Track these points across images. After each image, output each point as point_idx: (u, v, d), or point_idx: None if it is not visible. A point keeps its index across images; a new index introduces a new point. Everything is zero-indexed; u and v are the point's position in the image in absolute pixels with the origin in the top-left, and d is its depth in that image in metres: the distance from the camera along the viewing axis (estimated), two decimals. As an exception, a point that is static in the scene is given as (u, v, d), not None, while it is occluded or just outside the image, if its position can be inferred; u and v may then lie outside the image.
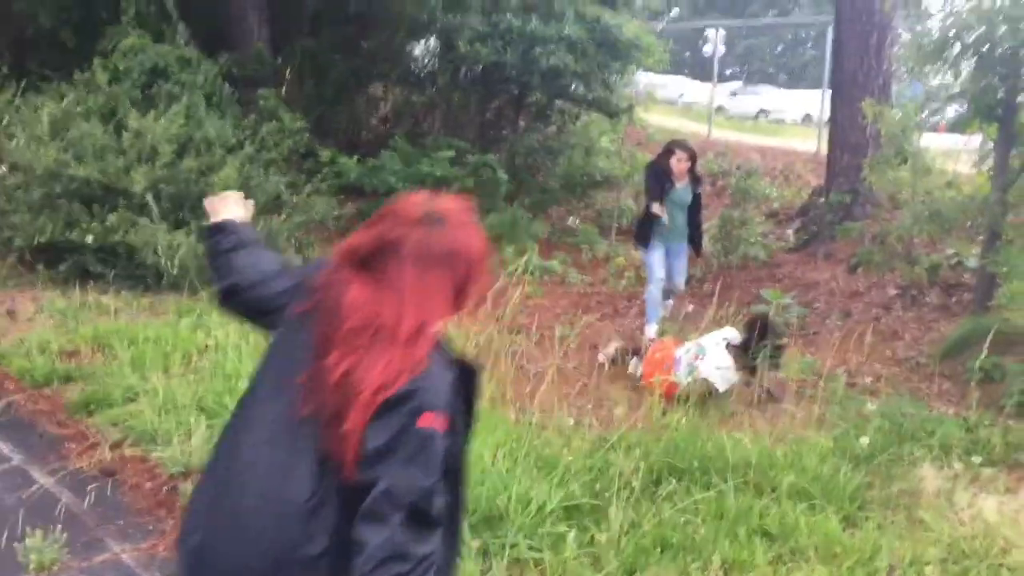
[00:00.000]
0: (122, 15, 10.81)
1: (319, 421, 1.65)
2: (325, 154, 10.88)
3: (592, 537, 3.49)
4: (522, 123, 13.49)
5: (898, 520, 3.86)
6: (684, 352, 5.50)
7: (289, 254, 9.00)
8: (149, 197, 7.92)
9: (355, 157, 10.91)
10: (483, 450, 4.01)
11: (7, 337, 6.54)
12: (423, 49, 13.75)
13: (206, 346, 5.88)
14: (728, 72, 48.14)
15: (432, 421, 1.62)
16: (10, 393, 5.42)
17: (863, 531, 3.71)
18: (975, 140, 7.68)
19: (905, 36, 8.99)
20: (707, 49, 24.62)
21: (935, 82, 6.56)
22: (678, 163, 7.07)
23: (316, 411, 1.66)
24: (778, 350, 5.64)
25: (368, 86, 14.12)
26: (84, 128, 8.61)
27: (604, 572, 3.19)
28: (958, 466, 4.27)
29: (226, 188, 8.62)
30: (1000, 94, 5.68)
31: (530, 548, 3.38)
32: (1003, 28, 5.18)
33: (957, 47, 5.69)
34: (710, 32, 25.16)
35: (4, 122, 8.90)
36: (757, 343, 5.50)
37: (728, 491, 3.87)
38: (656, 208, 6.94)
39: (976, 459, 4.32)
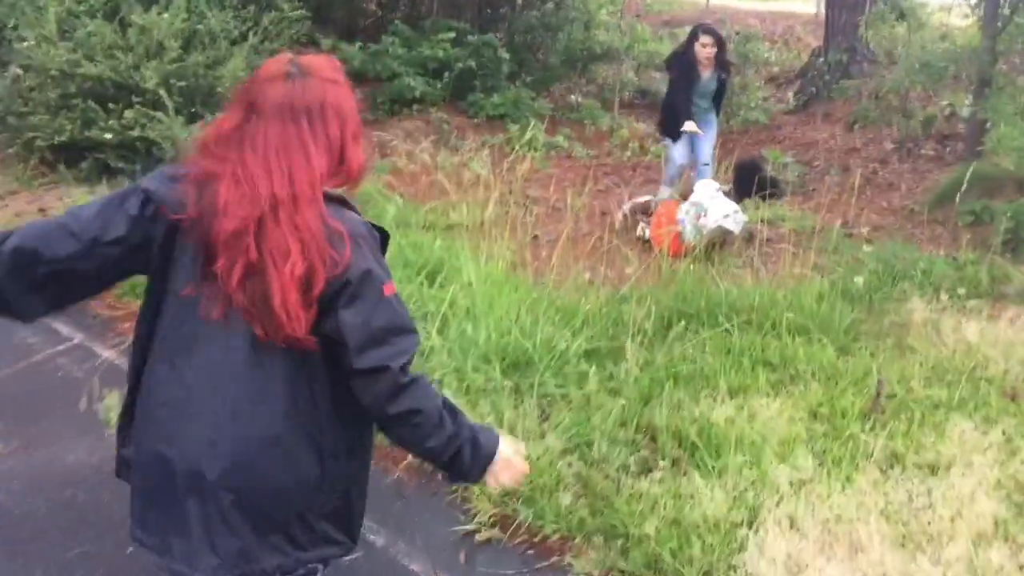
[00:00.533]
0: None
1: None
2: (326, 42, 10.97)
3: (611, 374, 3.88)
4: (520, 0, 13.42)
5: (888, 347, 4.23)
6: (684, 213, 5.79)
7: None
8: (162, 92, 8.10)
9: (356, 44, 10.98)
10: (507, 306, 4.37)
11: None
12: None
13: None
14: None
15: (391, 289, 1.68)
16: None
17: (856, 358, 4.09)
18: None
19: None
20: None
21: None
22: (702, 48, 6.81)
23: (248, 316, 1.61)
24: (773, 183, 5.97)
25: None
26: (90, 26, 8.72)
27: (623, 399, 3.58)
28: (945, 299, 4.62)
29: (235, 79, 8.82)
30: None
31: (556, 385, 3.77)
32: None
33: None
34: None
35: (12, 26, 9.00)
36: (747, 182, 5.82)
37: (732, 329, 4.24)
38: (689, 126, 6.72)
39: (961, 291, 4.67)
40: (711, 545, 2.66)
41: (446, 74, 10.97)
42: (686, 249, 5.52)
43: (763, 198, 6.01)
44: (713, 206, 5.70)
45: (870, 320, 4.59)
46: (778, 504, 2.78)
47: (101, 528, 3.05)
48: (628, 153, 9.59)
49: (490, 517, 3.08)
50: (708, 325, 4.35)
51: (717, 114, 7.32)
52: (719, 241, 5.74)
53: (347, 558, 2.86)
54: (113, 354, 4.57)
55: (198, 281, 1.64)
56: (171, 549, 1.70)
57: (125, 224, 1.64)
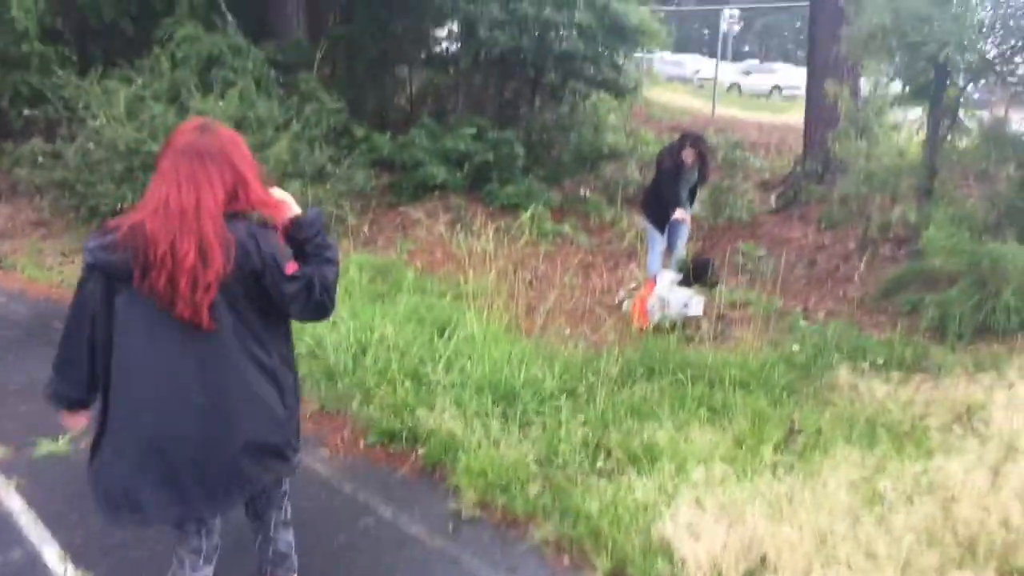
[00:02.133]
0: (176, 7, 12.12)
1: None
2: (359, 131, 12.17)
3: (581, 408, 4.79)
4: (538, 102, 14.70)
5: (812, 401, 5.12)
6: (651, 304, 6.76)
7: (335, 216, 10.30)
8: (213, 171, 9.22)
9: (387, 134, 12.18)
10: (501, 353, 5.31)
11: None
12: (446, 34, 14.95)
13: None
14: (746, 49, 48.86)
15: (293, 268, 2.38)
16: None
17: (784, 407, 4.97)
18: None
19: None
20: (723, 27, 25.57)
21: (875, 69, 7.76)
22: (688, 157, 7.80)
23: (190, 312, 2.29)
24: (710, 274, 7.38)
25: (396, 68, 15.39)
26: (155, 110, 9.94)
27: (588, 425, 4.48)
28: (867, 367, 5.51)
29: (279, 161, 9.97)
30: (929, 76, 6.85)
31: (536, 413, 4.68)
32: (926, 28, 6.29)
33: (891, 40, 6.85)
34: (725, 11, 26.16)
35: (83, 106, 10.22)
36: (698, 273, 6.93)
37: (685, 381, 5.15)
38: (679, 214, 7.69)
39: (880, 360, 5.56)
40: (636, 518, 3.53)
41: (466, 164, 12.12)
42: (656, 328, 6.49)
43: (707, 285, 7.28)
44: (673, 297, 6.69)
45: (804, 382, 5.48)
46: (691, 492, 3.65)
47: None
48: (625, 243, 10.61)
49: (474, 502, 3.97)
50: (665, 376, 5.27)
51: (691, 204, 8.35)
52: (681, 323, 6.71)
53: (361, 523, 3.78)
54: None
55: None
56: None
57: (99, 291, 2.38)
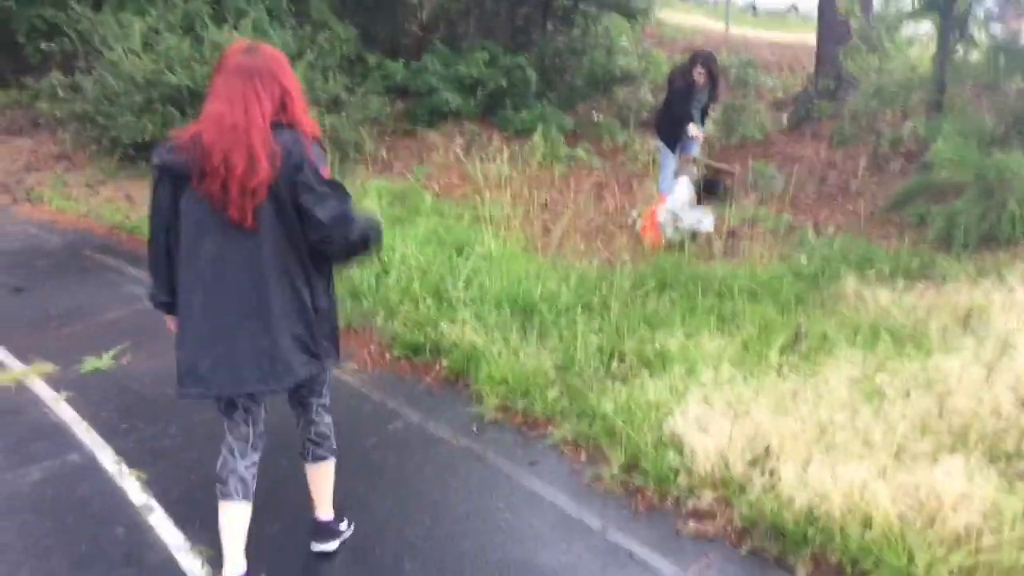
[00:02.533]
0: (188, -62, 12.08)
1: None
2: (372, 59, 12.22)
3: (596, 318, 5.00)
4: (549, 27, 14.63)
5: (820, 310, 5.31)
6: (663, 218, 6.92)
7: (354, 143, 10.42)
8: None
9: (400, 61, 12.21)
10: (518, 269, 5.51)
11: (134, 214, 8.11)
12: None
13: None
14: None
15: (327, 173, 2.63)
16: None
17: (792, 315, 5.17)
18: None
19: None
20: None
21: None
22: (699, 76, 7.90)
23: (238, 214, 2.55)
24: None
25: (408, -6, 15.33)
26: (169, 41, 10.02)
27: (600, 332, 4.70)
28: (871, 273, 5.69)
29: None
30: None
31: (553, 324, 4.90)
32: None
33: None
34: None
35: (98, 38, 10.31)
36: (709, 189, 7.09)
37: (696, 293, 5.35)
38: (692, 129, 7.82)
39: (886, 269, 5.74)
40: (649, 415, 3.77)
41: (479, 90, 12.17)
42: (668, 243, 6.66)
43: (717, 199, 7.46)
44: (685, 214, 6.84)
45: (812, 292, 5.66)
46: (700, 391, 3.88)
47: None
48: (638, 165, 10.71)
49: (496, 407, 4.22)
50: (677, 290, 5.47)
51: (702, 123, 8.39)
52: (695, 237, 6.87)
53: (390, 427, 4.03)
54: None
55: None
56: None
57: (167, 196, 2.65)
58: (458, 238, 6.48)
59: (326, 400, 3.05)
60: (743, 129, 9.88)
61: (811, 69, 12.56)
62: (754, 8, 31.01)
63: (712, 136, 9.95)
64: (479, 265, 5.71)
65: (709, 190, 7.54)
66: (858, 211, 7.68)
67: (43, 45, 10.81)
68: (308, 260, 2.72)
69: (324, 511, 3.17)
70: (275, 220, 2.62)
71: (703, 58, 8.17)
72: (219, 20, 10.74)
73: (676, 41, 16.60)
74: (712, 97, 8.19)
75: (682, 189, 7.13)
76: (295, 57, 10.80)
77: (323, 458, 3.09)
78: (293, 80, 2.69)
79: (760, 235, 7.12)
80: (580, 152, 11.32)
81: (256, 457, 2.90)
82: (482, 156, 11.23)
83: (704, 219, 6.97)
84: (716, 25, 19.72)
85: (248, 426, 2.86)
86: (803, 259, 5.90)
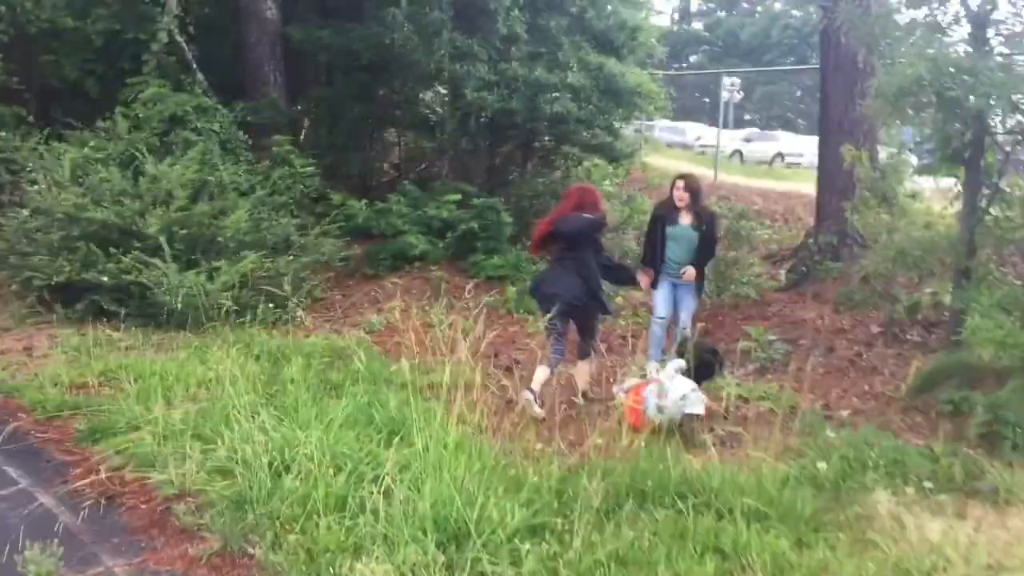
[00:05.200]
0: (144, 66, 11.34)
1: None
2: (336, 198, 11.28)
3: (552, 553, 3.72)
4: (530, 167, 13.86)
5: (849, 541, 4.05)
6: (649, 392, 5.74)
7: (296, 293, 9.32)
8: (162, 239, 8.27)
9: (364, 201, 11.28)
10: (457, 473, 4.26)
11: (23, 371, 6.88)
12: (434, 96, 14.17)
13: (207, 379, 6.19)
14: (747, 118, 48.61)
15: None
16: (22, 423, 5.73)
17: (813, 550, 3.91)
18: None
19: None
20: (724, 95, 24.91)
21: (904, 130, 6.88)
22: (676, 191, 7.19)
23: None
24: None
25: (381, 132, 14.59)
26: (103, 174, 9.05)
27: (556, 580, 3.42)
28: (912, 492, 4.46)
29: (237, 230, 9.03)
30: (967, 137, 5.92)
31: (490, 562, 3.61)
32: (969, 80, 5.39)
33: (927, 95, 5.94)
34: (725, 79, 25.55)
35: (28, 169, 9.35)
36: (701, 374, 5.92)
37: (687, 511, 4.09)
38: (640, 278, 7.32)
39: (928, 484, 4.51)
40: None
41: (449, 234, 11.20)
42: (649, 426, 5.45)
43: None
44: (672, 386, 5.66)
45: (835, 509, 4.43)
46: None
47: None
48: (622, 321, 9.60)
49: None
50: (662, 505, 4.21)
51: (699, 282, 7.31)
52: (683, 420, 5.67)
53: None
54: (52, 502, 4.46)
55: None
56: None
57: None
58: (393, 418, 5.25)
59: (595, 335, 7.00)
60: (736, 286, 8.81)
61: (808, 220, 11.68)
62: (741, 156, 30.91)
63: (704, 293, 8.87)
64: (410, 462, 4.46)
65: (701, 375, 6.35)
66: (875, 390, 6.52)
67: (-36, 174, 9.81)
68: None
69: None
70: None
71: (681, 175, 7.52)
72: (164, 153, 9.83)
73: (663, 187, 15.80)
74: (709, 238, 7.25)
75: (673, 363, 5.97)
76: (245, 193, 9.87)
77: None
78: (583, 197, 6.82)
79: (761, 418, 5.92)
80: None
81: (563, 348, 6.73)
82: (447, 307, 10.16)
83: (690, 397, 5.75)
84: (704, 172, 19.09)
85: (561, 336, 6.79)
86: (821, 464, 4.66)
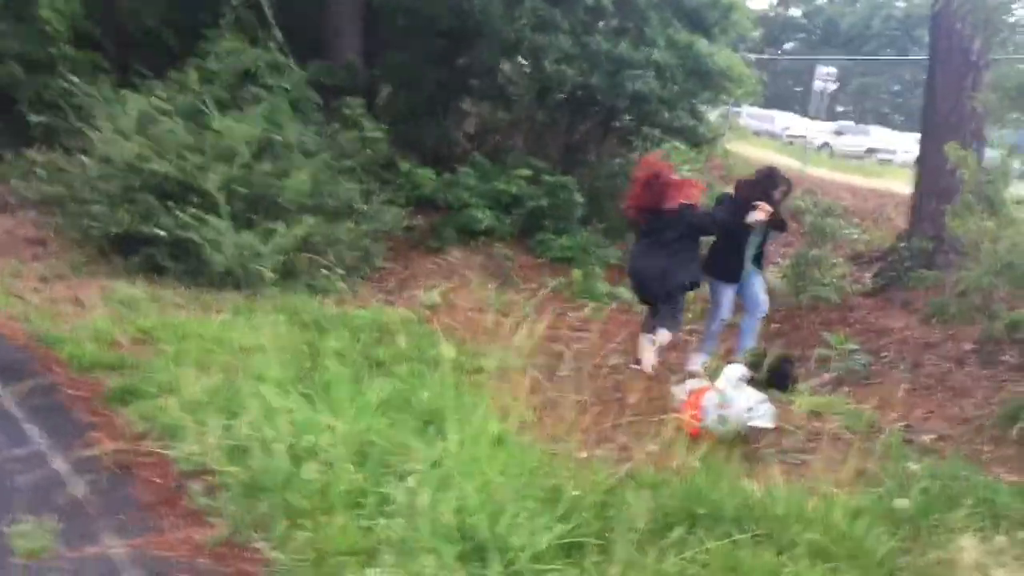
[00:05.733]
0: (221, 19, 11.13)
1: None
2: (404, 166, 10.96)
3: (587, 578, 3.32)
4: (607, 147, 13.35)
5: (925, 589, 3.57)
6: (708, 401, 5.27)
7: (357, 260, 9.05)
8: (221, 197, 8.05)
9: (433, 171, 10.94)
10: (490, 475, 3.88)
11: (69, 322, 6.71)
12: (513, 68, 13.73)
13: (247, 346, 5.91)
14: (839, 109, 47.01)
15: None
16: (57, 377, 5.55)
17: (883, 599, 3.44)
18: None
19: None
20: (817, 84, 23.92)
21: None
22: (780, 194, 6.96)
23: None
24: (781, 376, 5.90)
25: (457, 102, 14.20)
26: (168, 125, 8.86)
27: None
28: (1002, 539, 3.92)
29: (298, 192, 8.77)
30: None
31: (514, 584, 3.23)
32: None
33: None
34: (820, 67, 24.52)
35: (95, 116, 9.22)
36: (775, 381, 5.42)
37: (743, 543, 3.64)
38: (758, 213, 6.68)
39: (1015, 526, 3.97)
40: None
41: (517, 210, 10.80)
42: (710, 437, 4.98)
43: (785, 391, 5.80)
44: (737, 396, 5.18)
45: (912, 551, 3.92)
46: None
47: None
48: (690, 315, 9.10)
49: None
50: (715, 532, 3.76)
51: (759, 266, 7.16)
52: (747, 433, 5.19)
53: None
54: (66, 467, 4.22)
55: None
56: None
57: None
58: (431, 406, 4.88)
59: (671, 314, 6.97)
60: (816, 288, 8.22)
61: (900, 222, 10.96)
62: (830, 149, 29.78)
63: (777, 291, 8.31)
64: (442, 457, 4.09)
65: (777, 380, 5.87)
66: (964, 415, 5.93)
67: (34, 117, 9.72)
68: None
69: None
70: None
71: (763, 175, 7.15)
72: (233, 108, 9.61)
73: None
74: (770, 232, 6.92)
75: (733, 369, 5.48)
76: (310, 154, 9.60)
77: None
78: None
79: (835, 437, 5.40)
80: (623, 290, 9.77)
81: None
82: (508, 285, 9.80)
83: (758, 409, 5.27)
84: (791, 163, 18.30)
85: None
86: (902, 501, 4.14)
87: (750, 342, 6.95)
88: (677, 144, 12.48)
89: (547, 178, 11.00)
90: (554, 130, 13.51)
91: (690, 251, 6.82)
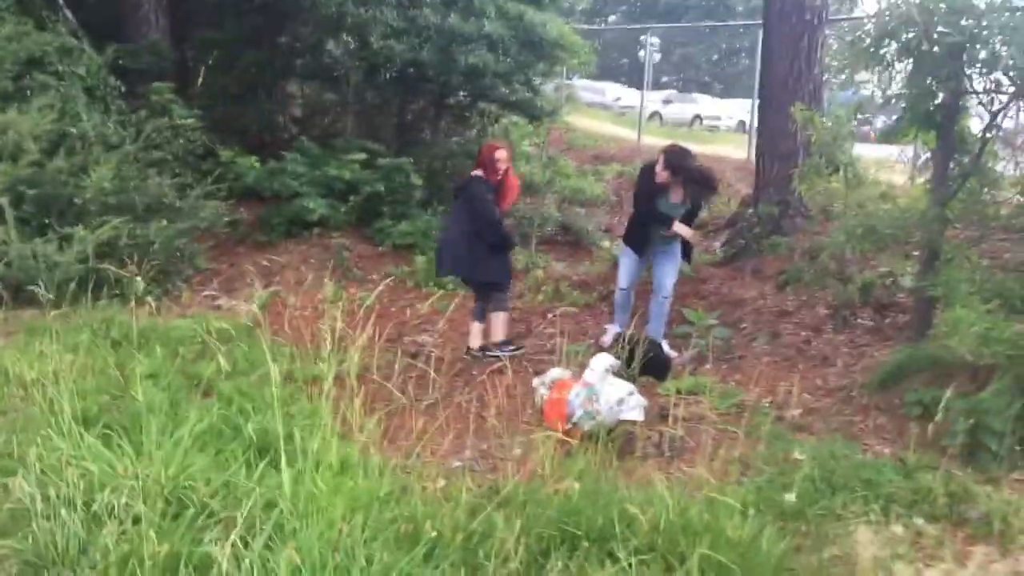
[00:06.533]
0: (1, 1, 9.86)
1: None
2: (225, 155, 10.05)
3: (457, 635, 2.80)
4: (443, 125, 12.79)
5: (830, 599, 3.24)
6: (575, 396, 4.86)
7: (172, 265, 8.16)
8: (5, 200, 7.02)
9: (255, 159, 10.08)
10: (339, 513, 3.28)
11: None
12: (339, 46, 12.91)
13: (42, 375, 5.04)
14: (664, 79, 48.05)
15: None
16: None
17: (788, 616, 3.08)
18: (909, 150, 7.24)
19: (834, 44, 8.60)
20: (643, 54, 24.15)
21: (867, 87, 6.11)
22: (661, 170, 6.63)
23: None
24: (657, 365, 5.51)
25: (281, 84, 13.26)
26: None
27: None
28: (898, 528, 3.67)
29: (100, 190, 7.79)
30: (940, 98, 5.14)
31: (374, 655, 2.67)
32: (942, 22, 4.63)
33: (893, 46, 5.14)
34: (644, 38, 24.77)
35: None
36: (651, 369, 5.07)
37: (630, 566, 3.20)
38: (678, 228, 6.63)
39: (918, 520, 3.74)
40: None
41: (352, 197, 10.10)
42: (575, 434, 4.56)
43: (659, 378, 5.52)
44: (604, 390, 4.78)
45: (806, 549, 3.61)
46: None
47: None
48: (541, 297, 8.72)
49: None
50: (598, 554, 3.32)
51: (688, 250, 7.01)
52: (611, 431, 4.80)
53: None
54: None
55: None
56: None
57: None
58: (265, 430, 4.23)
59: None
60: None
61: (741, 188, 10.95)
62: (660, 118, 30.31)
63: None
64: (277, 497, 3.46)
65: (652, 371, 5.51)
66: (829, 385, 5.76)
67: None
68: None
69: None
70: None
71: (665, 149, 6.80)
72: (14, 98, 8.46)
73: (586, 148, 14.93)
74: (690, 215, 6.78)
75: (601, 359, 5.07)
76: (114, 147, 8.59)
77: None
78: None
79: (704, 418, 5.09)
80: (470, 276, 9.28)
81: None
82: (349, 277, 9.13)
83: (627, 401, 4.88)
84: (626, 133, 18.29)
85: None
86: (790, 496, 3.82)
87: (656, 326, 6.69)
88: (515, 119, 12.07)
89: (382, 161, 10.35)
90: (386, 110, 12.83)
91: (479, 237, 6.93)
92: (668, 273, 6.78)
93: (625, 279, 6.94)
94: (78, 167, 7.94)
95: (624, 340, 5.11)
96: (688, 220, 6.70)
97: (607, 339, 6.77)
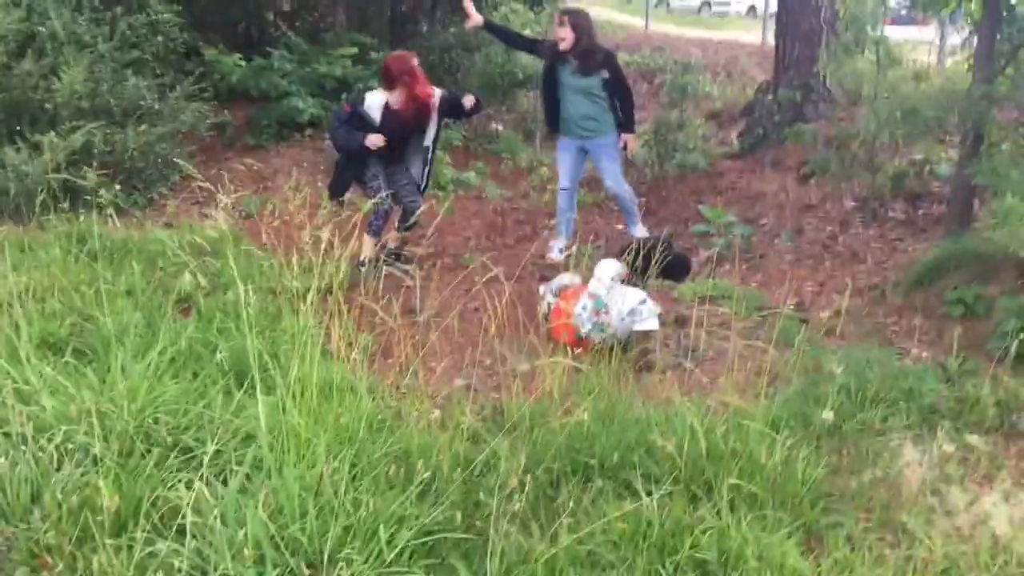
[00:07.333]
0: None
1: None
2: (209, 53, 9.45)
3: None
4: (439, 15, 12.08)
5: (873, 528, 2.90)
6: (581, 309, 4.44)
7: (153, 172, 7.70)
8: (-32, 106, 6.54)
9: (238, 56, 9.47)
10: (324, 447, 2.93)
11: None
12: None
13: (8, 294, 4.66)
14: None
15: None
16: None
17: (828, 553, 2.74)
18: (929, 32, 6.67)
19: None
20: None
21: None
22: (557, 28, 6.08)
23: None
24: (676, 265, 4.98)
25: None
26: None
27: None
28: (945, 444, 3.30)
29: (72, 94, 7.28)
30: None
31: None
32: None
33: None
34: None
35: None
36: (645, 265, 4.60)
37: (651, 502, 2.85)
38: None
39: (968, 435, 3.37)
40: None
41: (345, 95, 9.53)
42: (586, 345, 4.19)
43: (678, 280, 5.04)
44: (614, 300, 4.37)
45: (843, 470, 3.26)
46: None
47: None
48: (547, 196, 8.25)
49: None
50: (615, 487, 2.97)
51: (628, 122, 6.21)
52: (627, 343, 4.41)
53: None
54: None
55: None
56: None
57: None
58: (242, 356, 3.85)
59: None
60: (682, 155, 7.46)
61: (755, 74, 10.32)
62: (667, 4, 29.21)
63: (641, 163, 7.52)
64: (252, 429, 3.10)
65: (671, 273, 5.05)
66: (859, 284, 5.34)
67: None
68: None
69: None
70: None
71: (563, 9, 6.34)
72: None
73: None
74: (611, 84, 6.10)
75: (606, 266, 4.64)
76: (85, 47, 8.01)
77: None
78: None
79: (725, 324, 4.70)
80: (472, 176, 8.82)
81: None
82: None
83: (640, 311, 4.47)
84: (633, 21, 17.45)
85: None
86: (828, 414, 3.43)
87: (630, 225, 6.25)
88: (515, 6, 11.37)
89: (375, 56, 9.74)
90: (378, 1, 12.09)
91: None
92: (605, 170, 6.26)
93: (565, 177, 6.37)
94: (48, 69, 7.40)
95: (640, 245, 4.66)
96: (617, 89, 6.13)
97: (554, 255, 6.24)
